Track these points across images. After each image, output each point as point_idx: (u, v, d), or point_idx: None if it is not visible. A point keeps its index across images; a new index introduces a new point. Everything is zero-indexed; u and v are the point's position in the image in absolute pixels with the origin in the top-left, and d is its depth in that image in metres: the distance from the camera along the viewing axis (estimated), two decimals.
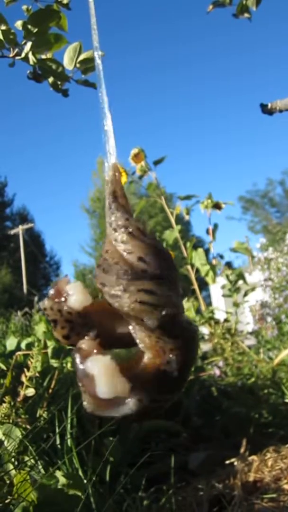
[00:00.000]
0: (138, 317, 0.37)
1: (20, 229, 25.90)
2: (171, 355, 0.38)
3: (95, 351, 0.39)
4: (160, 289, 0.37)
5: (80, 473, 0.92)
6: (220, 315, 2.18)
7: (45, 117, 42.70)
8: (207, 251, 2.26)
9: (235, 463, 1.25)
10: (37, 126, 41.90)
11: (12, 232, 26.86)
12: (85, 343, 0.40)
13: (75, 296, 0.40)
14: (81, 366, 0.38)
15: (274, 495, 1.03)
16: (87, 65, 0.84)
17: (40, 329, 1.73)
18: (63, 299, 0.41)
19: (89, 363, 0.38)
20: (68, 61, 0.83)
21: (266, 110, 0.91)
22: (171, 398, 0.39)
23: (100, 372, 0.37)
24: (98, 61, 0.42)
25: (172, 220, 2.25)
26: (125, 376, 0.37)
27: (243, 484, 1.10)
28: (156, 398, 0.38)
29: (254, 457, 1.26)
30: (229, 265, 2.23)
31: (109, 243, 0.40)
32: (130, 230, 0.39)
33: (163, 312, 0.37)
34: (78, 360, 0.39)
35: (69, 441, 0.95)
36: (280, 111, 0.89)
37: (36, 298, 4.12)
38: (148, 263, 0.38)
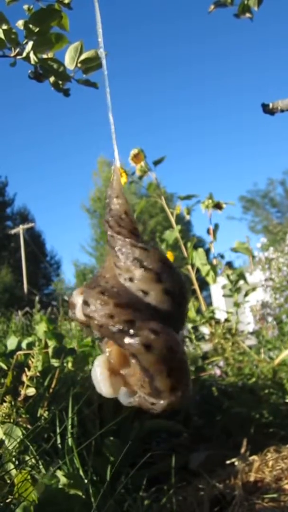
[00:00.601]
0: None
1: (20, 229, 25.90)
2: (133, 361, 0.38)
3: (107, 349, 0.41)
4: (94, 300, 0.39)
5: (81, 472, 0.92)
6: (220, 315, 2.18)
7: (46, 117, 42.75)
8: (207, 251, 2.25)
9: (236, 463, 1.25)
10: (38, 125, 41.95)
11: (13, 231, 26.86)
12: (102, 343, 0.43)
13: (78, 309, 0.43)
14: None
15: (275, 495, 1.03)
16: (88, 64, 0.84)
17: (41, 328, 1.73)
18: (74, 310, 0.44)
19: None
20: (69, 61, 0.83)
21: (267, 110, 0.91)
22: (159, 403, 0.39)
23: (94, 376, 0.40)
24: (103, 61, 0.42)
25: (173, 220, 2.25)
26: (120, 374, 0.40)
27: (243, 484, 1.10)
28: (145, 398, 0.39)
29: (254, 457, 1.26)
30: (229, 265, 2.23)
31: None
32: (112, 236, 0.41)
33: (95, 322, 0.38)
34: None
35: (70, 441, 0.95)
36: (282, 111, 0.89)
37: (36, 298, 4.11)
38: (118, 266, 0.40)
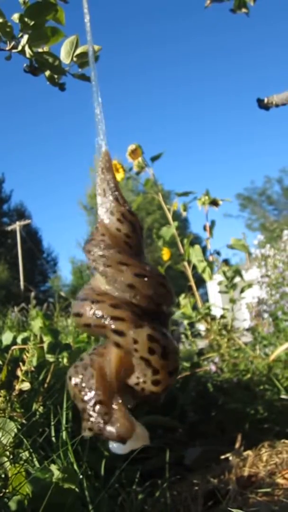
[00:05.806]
0: (111, 278, 0.41)
1: (17, 226, 25.87)
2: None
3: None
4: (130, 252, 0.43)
5: (75, 467, 0.92)
6: (216, 312, 2.18)
7: (43, 113, 42.66)
8: (204, 248, 2.25)
9: (230, 458, 1.25)
10: (34, 122, 41.83)
11: (10, 228, 26.83)
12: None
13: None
14: None
15: (268, 490, 1.04)
16: (84, 59, 0.83)
17: (37, 324, 1.73)
18: None
19: None
20: (65, 55, 0.82)
21: (262, 105, 0.91)
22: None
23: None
24: (90, 49, 0.42)
25: (170, 216, 2.25)
26: None
27: (238, 478, 1.11)
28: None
29: (249, 452, 1.26)
30: (226, 262, 2.23)
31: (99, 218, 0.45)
32: (108, 207, 0.44)
33: (134, 272, 0.41)
34: None
35: (64, 435, 0.95)
36: (277, 105, 0.89)
37: (33, 294, 4.11)
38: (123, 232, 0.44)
